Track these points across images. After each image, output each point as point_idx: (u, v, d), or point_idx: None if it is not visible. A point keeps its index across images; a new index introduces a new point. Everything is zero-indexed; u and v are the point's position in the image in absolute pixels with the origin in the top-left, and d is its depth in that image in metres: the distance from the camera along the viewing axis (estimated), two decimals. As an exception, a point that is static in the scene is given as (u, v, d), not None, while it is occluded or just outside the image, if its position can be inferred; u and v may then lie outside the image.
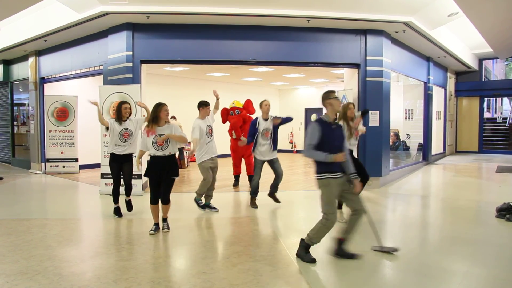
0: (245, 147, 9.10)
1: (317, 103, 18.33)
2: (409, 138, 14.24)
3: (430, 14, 8.95)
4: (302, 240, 4.56)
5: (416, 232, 5.97)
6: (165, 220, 5.69)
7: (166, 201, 5.54)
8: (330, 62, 9.24)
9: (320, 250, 5.05)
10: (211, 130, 6.91)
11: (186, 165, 13.48)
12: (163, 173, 5.44)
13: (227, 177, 9.76)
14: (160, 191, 5.48)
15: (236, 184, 9.47)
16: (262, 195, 7.29)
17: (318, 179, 4.42)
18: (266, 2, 7.91)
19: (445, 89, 16.20)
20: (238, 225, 6.14)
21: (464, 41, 14.17)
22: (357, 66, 9.17)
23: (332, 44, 9.05)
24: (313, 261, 4.40)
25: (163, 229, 5.63)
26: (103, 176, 8.35)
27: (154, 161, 5.47)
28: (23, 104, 13.82)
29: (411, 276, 4.15)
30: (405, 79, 13.28)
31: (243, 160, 9.49)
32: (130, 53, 8.58)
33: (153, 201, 5.53)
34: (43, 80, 11.89)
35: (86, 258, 4.70)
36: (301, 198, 8.12)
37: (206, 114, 6.89)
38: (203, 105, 6.88)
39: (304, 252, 4.50)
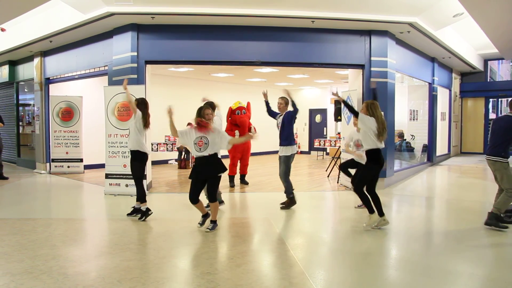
0: (244, 146, 9.21)
1: (322, 104, 18.34)
2: (413, 139, 14.20)
3: (435, 15, 8.93)
4: (490, 212, 5.76)
5: (420, 233, 5.95)
6: (211, 221, 5.78)
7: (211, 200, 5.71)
8: (334, 63, 9.23)
9: (325, 250, 5.05)
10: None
11: (191, 166, 13.52)
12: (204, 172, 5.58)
13: (225, 178, 9.76)
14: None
15: (233, 185, 9.46)
16: (263, 195, 7.28)
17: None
18: (270, 3, 7.92)
19: (450, 90, 16.15)
20: (242, 225, 6.14)
21: (469, 42, 14.12)
22: (361, 67, 9.16)
23: (337, 45, 9.04)
24: (505, 227, 5.66)
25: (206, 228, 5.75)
26: (107, 176, 8.37)
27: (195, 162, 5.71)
28: (29, 105, 13.88)
29: (416, 277, 4.14)
30: (409, 80, 13.25)
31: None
32: (135, 53, 8.60)
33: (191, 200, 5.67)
34: (48, 81, 11.95)
35: (91, 258, 4.72)
36: (305, 199, 8.10)
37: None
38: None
39: (495, 221, 5.70)
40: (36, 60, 11.97)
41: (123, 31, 8.76)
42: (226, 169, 5.70)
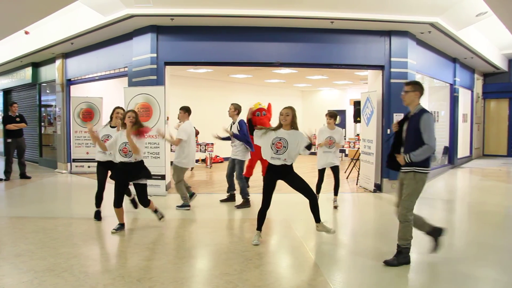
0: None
1: (340, 105, 18.21)
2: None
3: (457, 14, 8.77)
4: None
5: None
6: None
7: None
8: (353, 64, 9.16)
9: (344, 252, 5.00)
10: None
11: (209, 166, 13.61)
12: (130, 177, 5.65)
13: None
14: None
15: (247, 186, 9.44)
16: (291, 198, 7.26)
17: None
18: (290, 4, 7.89)
19: (472, 91, 15.84)
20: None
21: (493, 41, 13.81)
22: (381, 67, 9.06)
23: (356, 46, 8.96)
24: None
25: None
26: (127, 176, 8.44)
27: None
28: (50, 105, 14.11)
29: (436, 281, 4.07)
30: (430, 81, 13.04)
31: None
32: (155, 55, 8.68)
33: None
34: (69, 82, 12.15)
35: (111, 256, 4.77)
36: (324, 201, 8.04)
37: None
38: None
39: None
40: (58, 62, 12.18)
41: (142, 33, 8.85)
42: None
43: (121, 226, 5.74)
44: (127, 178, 5.66)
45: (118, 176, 5.66)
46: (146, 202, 5.74)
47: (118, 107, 6.56)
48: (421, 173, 4.42)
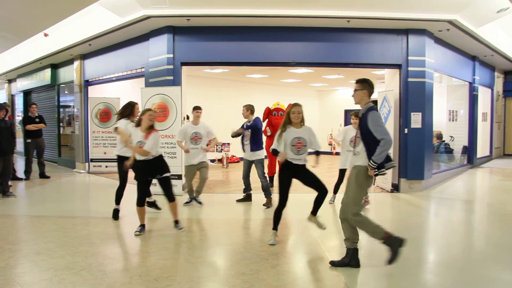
0: None
1: (357, 105, 18.05)
2: (452, 140, 13.76)
3: (477, 11, 8.61)
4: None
5: (460, 238, 5.76)
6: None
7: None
8: (370, 63, 9.06)
9: (360, 252, 4.96)
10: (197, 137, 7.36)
11: (226, 166, 13.64)
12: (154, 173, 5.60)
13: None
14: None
15: (272, 185, 9.46)
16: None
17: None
18: (306, 3, 7.86)
19: (492, 90, 15.54)
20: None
21: (514, 38, 13.54)
22: (398, 66, 8.95)
23: (373, 45, 8.87)
24: None
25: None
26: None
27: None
28: (69, 106, 14.32)
29: (456, 283, 3.99)
30: (448, 80, 12.86)
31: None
32: (171, 55, 8.73)
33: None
34: (87, 83, 12.30)
35: (129, 255, 4.82)
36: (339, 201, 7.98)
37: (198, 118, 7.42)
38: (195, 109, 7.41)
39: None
40: (76, 63, 12.35)
41: (159, 34, 8.91)
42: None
43: (143, 227, 5.68)
44: (148, 175, 5.64)
45: (140, 175, 5.64)
46: (172, 196, 5.65)
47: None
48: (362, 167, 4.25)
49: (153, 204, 6.99)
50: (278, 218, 5.15)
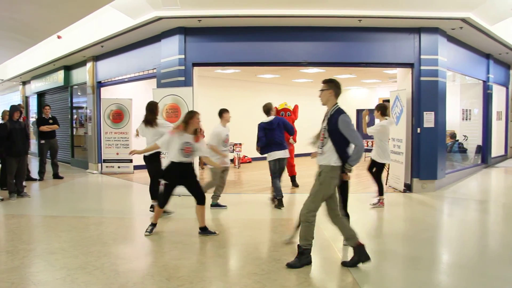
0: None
1: (369, 104, 17.95)
2: (466, 139, 13.60)
3: (491, 9, 8.49)
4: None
5: (474, 239, 5.68)
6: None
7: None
8: (382, 62, 9.01)
9: (373, 253, 4.92)
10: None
11: (238, 166, 13.67)
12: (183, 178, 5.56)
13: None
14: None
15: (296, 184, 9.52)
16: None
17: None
18: (317, 2, 7.83)
19: (507, 88, 15.32)
20: (290, 227, 6.09)
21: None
22: (411, 65, 8.87)
23: (385, 44, 8.81)
24: None
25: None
26: (156, 176, 8.56)
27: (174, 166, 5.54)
28: (81, 107, 14.46)
29: (469, 284, 3.94)
30: (462, 78, 12.70)
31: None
32: (182, 56, 8.77)
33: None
34: (99, 84, 12.42)
35: (141, 255, 4.84)
36: (352, 201, 7.91)
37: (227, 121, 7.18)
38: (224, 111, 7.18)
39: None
40: (89, 65, 12.47)
41: (170, 35, 8.95)
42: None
43: (153, 226, 5.69)
44: (179, 179, 5.57)
45: (172, 177, 5.56)
46: (203, 196, 5.64)
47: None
48: (333, 168, 4.22)
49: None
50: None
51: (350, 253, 4.82)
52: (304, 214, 4.29)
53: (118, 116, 12.08)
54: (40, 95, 17.10)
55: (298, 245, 4.37)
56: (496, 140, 14.07)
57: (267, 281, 3.93)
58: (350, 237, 4.34)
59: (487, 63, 12.44)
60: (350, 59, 8.92)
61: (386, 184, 9.60)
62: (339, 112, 4.24)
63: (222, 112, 7.18)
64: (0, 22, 8.81)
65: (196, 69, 9.10)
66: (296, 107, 9.75)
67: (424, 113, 8.65)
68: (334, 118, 4.21)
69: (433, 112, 8.71)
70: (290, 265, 4.29)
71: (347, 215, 4.80)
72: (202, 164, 10.93)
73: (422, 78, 8.70)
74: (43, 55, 13.55)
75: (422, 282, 3.99)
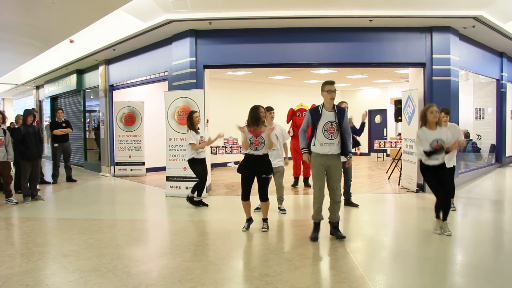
0: None
1: (381, 104, 17.85)
2: (480, 139, 13.43)
3: (504, 6, 8.39)
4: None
5: (489, 239, 5.60)
6: (265, 220, 5.91)
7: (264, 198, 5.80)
8: (394, 62, 8.96)
9: (385, 254, 4.89)
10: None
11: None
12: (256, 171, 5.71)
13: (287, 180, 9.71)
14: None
15: (294, 185, 9.49)
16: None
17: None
18: (327, 3, 7.81)
19: (522, 86, 15.08)
20: (302, 228, 6.07)
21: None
22: (422, 65, 8.81)
23: (396, 43, 8.76)
24: None
25: (262, 228, 5.84)
26: (168, 179, 8.61)
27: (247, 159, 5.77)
28: (94, 111, 14.61)
29: (484, 285, 3.88)
30: (475, 77, 12.56)
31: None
32: (194, 59, 8.81)
33: (244, 197, 5.81)
34: (112, 87, 12.53)
35: (153, 257, 4.86)
36: (365, 202, 7.89)
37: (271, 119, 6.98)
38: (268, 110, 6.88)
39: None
40: (101, 68, 12.59)
41: (181, 37, 9.00)
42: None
43: (249, 221, 5.90)
44: (254, 171, 5.74)
45: (245, 169, 5.77)
46: (266, 196, 5.79)
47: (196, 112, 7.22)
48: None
49: (201, 202, 7.47)
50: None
51: (363, 254, 4.80)
52: (341, 195, 5.35)
53: (130, 119, 12.17)
54: (53, 99, 17.31)
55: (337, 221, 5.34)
56: (510, 139, 13.86)
57: (279, 282, 3.92)
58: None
59: (501, 61, 12.29)
60: (361, 60, 8.88)
61: (399, 185, 9.54)
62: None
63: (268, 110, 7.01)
64: (14, 27, 8.94)
65: (207, 71, 9.14)
66: (313, 106, 9.71)
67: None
68: (346, 114, 5.26)
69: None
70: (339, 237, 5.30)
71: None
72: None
73: (434, 78, 8.63)
74: (56, 59, 13.71)
75: (436, 283, 3.94)
